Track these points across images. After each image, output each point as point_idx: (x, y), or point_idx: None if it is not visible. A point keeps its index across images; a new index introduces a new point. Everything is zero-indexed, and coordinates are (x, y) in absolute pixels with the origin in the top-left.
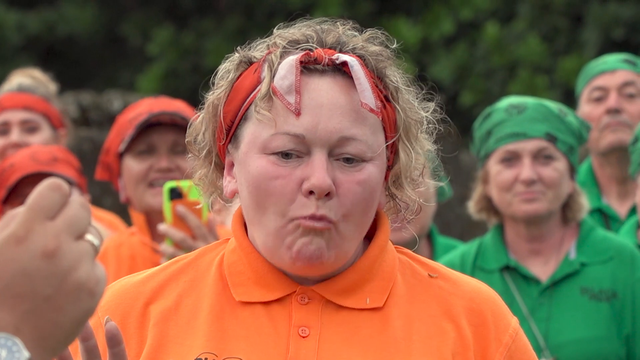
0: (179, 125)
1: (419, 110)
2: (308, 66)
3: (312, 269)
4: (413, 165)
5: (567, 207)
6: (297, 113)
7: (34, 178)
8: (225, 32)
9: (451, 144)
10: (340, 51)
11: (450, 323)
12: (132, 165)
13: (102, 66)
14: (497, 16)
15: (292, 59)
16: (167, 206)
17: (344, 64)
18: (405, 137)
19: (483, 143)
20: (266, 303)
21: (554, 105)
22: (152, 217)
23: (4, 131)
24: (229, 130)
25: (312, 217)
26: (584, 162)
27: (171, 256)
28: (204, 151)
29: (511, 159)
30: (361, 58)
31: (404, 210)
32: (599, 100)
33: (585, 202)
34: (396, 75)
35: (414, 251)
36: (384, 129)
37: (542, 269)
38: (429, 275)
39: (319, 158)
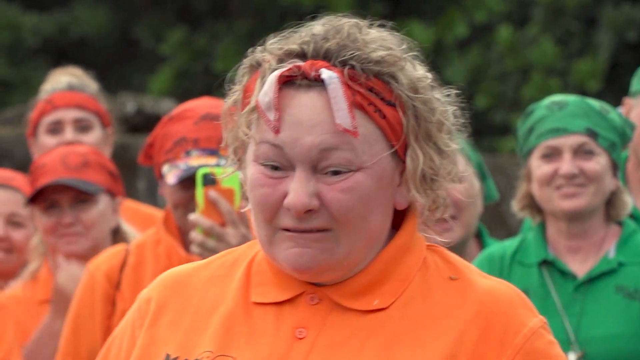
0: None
1: (440, 110)
2: (294, 80)
3: (311, 277)
4: (423, 167)
5: (610, 205)
6: (276, 131)
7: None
8: (236, 35)
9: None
10: (335, 59)
11: (454, 326)
12: (174, 192)
13: (115, 68)
14: (511, 19)
15: (274, 75)
16: (199, 192)
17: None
18: (415, 141)
19: (525, 140)
20: (279, 304)
21: (595, 102)
22: (187, 235)
23: (56, 130)
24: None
25: (295, 230)
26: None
27: (200, 244)
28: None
29: (552, 155)
30: (354, 69)
31: (442, 208)
32: None
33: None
34: (408, 77)
35: (463, 252)
36: (387, 137)
37: (580, 266)
38: (450, 277)
39: (298, 176)
